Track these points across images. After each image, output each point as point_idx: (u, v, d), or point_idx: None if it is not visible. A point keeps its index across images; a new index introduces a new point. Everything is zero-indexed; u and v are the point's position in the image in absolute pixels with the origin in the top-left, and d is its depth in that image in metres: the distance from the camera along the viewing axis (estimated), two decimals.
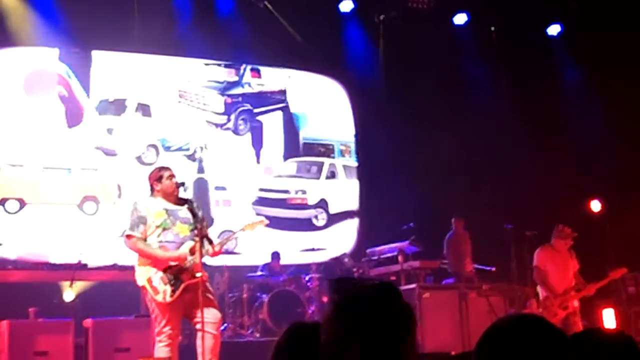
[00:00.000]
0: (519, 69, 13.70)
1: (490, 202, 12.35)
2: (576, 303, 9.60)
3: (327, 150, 15.14)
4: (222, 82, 14.57)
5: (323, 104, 15.08)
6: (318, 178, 15.10)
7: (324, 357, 1.97)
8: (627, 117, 12.54)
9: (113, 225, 11.99)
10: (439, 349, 9.47)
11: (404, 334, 1.97)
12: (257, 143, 14.76)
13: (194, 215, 6.89)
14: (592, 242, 11.34)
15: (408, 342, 1.98)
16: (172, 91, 14.13)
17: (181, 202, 6.99)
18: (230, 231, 7.92)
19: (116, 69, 13.79)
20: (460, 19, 14.09)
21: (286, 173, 15.20)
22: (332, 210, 14.84)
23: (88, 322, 8.57)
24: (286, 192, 14.73)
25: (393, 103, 13.52)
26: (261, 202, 14.32)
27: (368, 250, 12.15)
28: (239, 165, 14.46)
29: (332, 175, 15.10)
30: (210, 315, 6.66)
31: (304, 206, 14.86)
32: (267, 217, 12.47)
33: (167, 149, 13.81)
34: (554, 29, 14.19)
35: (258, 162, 14.61)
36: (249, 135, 14.66)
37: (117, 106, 13.70)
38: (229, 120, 14.49)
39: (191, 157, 13.98)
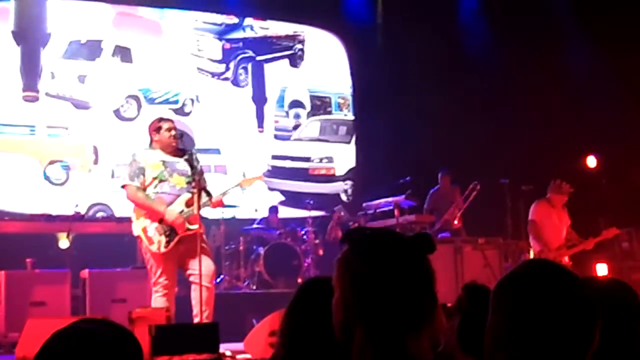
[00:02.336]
0: (518, 21, 13.58)
1: (486, 156, 12.33)
2: (566, 259, 9.68)
3: (323, 103, 13.82)
4: (219, 25, 12.97)
5: (319, 57, 13.98)
6: (348, 142, 13.35)
7: (337, 315, 1.93)
8: (628, 72, 12.46)
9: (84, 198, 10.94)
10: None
11: (419, 282, 1.90)
12: (260, 97, 13.05)
13: (192, 167, 6.89)
14: (587, 197, 11.37)
15: (423, 290, 1.90)
16: (162, 35, 12.57)
17: (180, 153, 6.99)
18: None
19: (90, 8, 12.07)
20: None
21: (307, 135, 13.34)
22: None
23: (85, 273, 8.61)
24: (307, 159, 12.78)
25: (390, 55, 13.39)
26: (275, 173, 12.56)
27: (364, 204, 12.14)
28: (238, 124, 12.83)
29: None
30: (204, 267, 6.69)
31: (330, 178, 13.02)
32: (283, 192, 11.84)
33: (151, 100, 12.16)
34: None
35: (260, 125, 12.82)
36: (249, 88, 13.05)
37: (91, 49, 11.95)
38: (227, 69, 12.76)
39: (180, 111, 12.31)
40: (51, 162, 11.36)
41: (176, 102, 12.40)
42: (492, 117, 12.96)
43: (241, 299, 10.00)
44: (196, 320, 6.68)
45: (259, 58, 13.13)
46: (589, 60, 12.81)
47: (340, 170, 13.01)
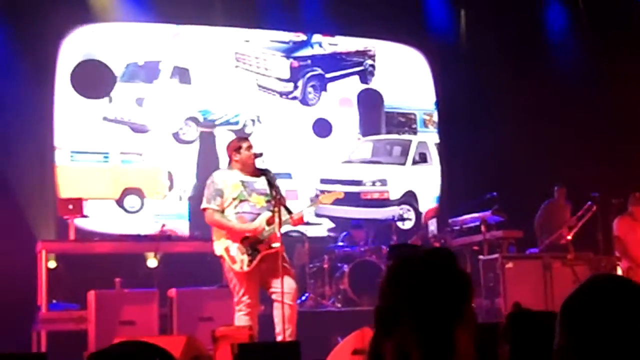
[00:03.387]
0: (606, 32, 13.29)
1: (576, 169, 12.06)
2: None
3: (408, 120, 13.29)
4: (287, 42, 12.63)
5: (402, 72, 13.58)
6: (403, 163, 12.67)
7: (377, 323, 1.99)
8: None
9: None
10: None
11: (457, 301, 1.95)
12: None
13: (271, 185, 6.93)
14: None
15: (462, 309, 1.96)
16: (226, 54, 12.26)
17: (258, 173, 7.05)
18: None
19: (147, 31, 11.89)
20: None
21: (358, 157, 12.73)
22: (424, 207, 12.40)
23: (172, 292, 8.71)
24: (359, 183, 12.06)
25: (474, 68, 13.22)
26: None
27: (450, 220, 12.01)
28: (307, 145, 12.36)
29: (422, 158, 12.82)
30: (287, 286, 6.72)
31: (384, 202, 12.31)
32: (331, 218, 11.16)
33: (210, 122, 11.91)
34: None
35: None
36: (320, 107, 12.62)
37: (149, 71, 11.79)
38: (295, 87, 12.36)
39: (239, 132, 11.84)
40: (126, 190, 11.27)
41: (236, 122, 12.13)
42: (581, 129, 12.69)
43: (326, 317, 9.99)
44: (279, 338, 6.70)
45: (328, 75, 12.81)
46: None
47: (394, 194, 12.34)
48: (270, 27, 12.66)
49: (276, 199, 6.86)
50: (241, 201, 6.91)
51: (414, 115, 13.55)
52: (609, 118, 12.75)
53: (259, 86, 12.40)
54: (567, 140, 12.49)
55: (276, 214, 6.80)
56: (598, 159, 12.38)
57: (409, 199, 12.38)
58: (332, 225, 11.52)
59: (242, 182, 6.97)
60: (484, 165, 12.59)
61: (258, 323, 6.97)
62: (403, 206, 12.20)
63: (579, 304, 1.87)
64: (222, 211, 6.91)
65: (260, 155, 7.10)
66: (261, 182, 6.98)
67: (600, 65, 13.17)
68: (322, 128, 12.67)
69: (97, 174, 11.28)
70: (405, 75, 13.67)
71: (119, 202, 11.32)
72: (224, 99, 12.09)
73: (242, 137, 7.44)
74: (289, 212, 7.05)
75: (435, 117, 13.73)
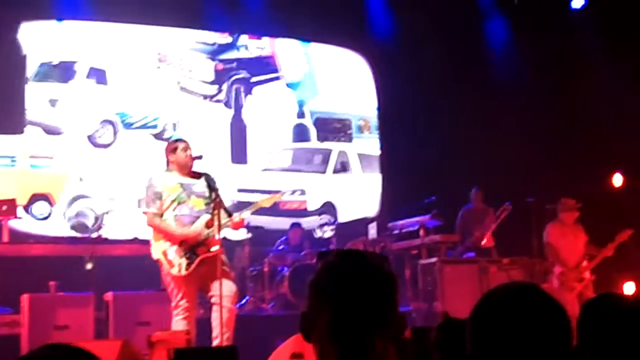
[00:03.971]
0: (542, 39, 13.54)
1: (512, 175, 12.25)
2: (588, 275, 9.66)
3: (343, 126, 13.21)
4: (212, 44, 12.36)
5: (339, 76, 13.43)
6: (324, 172, 12.49)
7: (300, 328, 1.97)
8: None
9: None
10: None
11: (377, 306, 1.91)
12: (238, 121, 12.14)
13: (211, 188, 6.89)
14: (612, 215, 11.27)
15: (386, 315, 1.92)
16: (147, 54, 11.89)
17: (197, 175, 7.01)
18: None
19: (63, 29, 11.33)
20: None
21: (278, 166, 12.41)
22: (342, 217, 12.17)
23: (109, 296, 8.62)
24: (277, 192, 10.31)
25: (415, 74, 13.31)
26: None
27: (389, 224, 12.09)
28: (227, 150, 12.04)
29: (343, 167, 12.67)
30: (226, 289, 6.69)
31: (302, 212, 12.06)
32: (249, 228, 10.44)
33: (128, 125, 11.53)
34: (577, 2, 13.99)
35: (237, 159, 11.63)
36: (245, 110, 12.36)
37: (64, 71, 11.34)
38: (220, 90, 12.12)
39: (159, 136, 11.63)
40: (34, 196, 10.76)
41: (155, 126, 11.75)
42: (518, 136, 12.88)
43: (266, 321, 9.97)
44: (216, 342, 6.67)
45: (254, 79, 12.59)
46: (618, 77, 12.71)
47: (313, 204, 12.07)
48: (203, 27, 12.38)
49: (215, 202, 6.82)
50: (179, 204, 6.85)
51: (350, 121, 13.45)
52: (547, 125, 12.97)
53: (182, 88, 12.09)
54: (505, 146, 12.66)
55: (215, 217, 6.76)
56: (534, 165, 12.59)
57: (329, 209, 12.17)
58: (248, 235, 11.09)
59: (181, 184, 6.91)
60: (424, 169, 12.71)
61: (196, 327, 6.92)
62: (323, 216, 12.02)
63: (482, 314, 1.92)
64: (161, 214, 6.84)
65: (200, 157, 7.05)
66: (200, 185, 6.94)
67: (539, 74, 13.41)
68: (240, 132, 12.49)
69: (2, 178, 10.73)
70: (342, 79, 13.56)
71: (27, 209, 10.84)
72: (143, 101, 11.73)
73: (178, 138, 7.36)
74: (229, 215, 7.02)
75: (372, 123, 13.66)
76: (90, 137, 11.33)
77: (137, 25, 12.12)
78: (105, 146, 11.35)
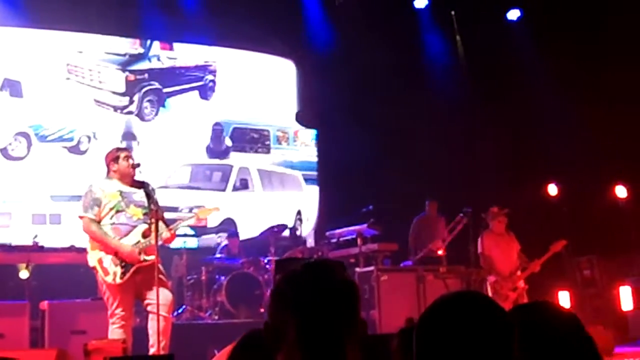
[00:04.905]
0: (479, 53, 13.78)
1: (449, 185, 12.42)
2: (522, 284, 9.82)
3: (261, 137, 13.18)
4: (123, 55, 12.06)
5: (260, 86, 13.36)
6: (223, 189, 12.35)
7: (265, 339, 1.98)
8: (585, 101, 12.65)
9: None
10: (396, 330, 9.52)
11: (341, 313, 1.94)
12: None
13: (149, 198, 6.88)
14: (548, 225, 11.51)
15: (350, 322, 1.95)
16: (57, 65, 11.58)
17: (137, 184, 6.99)
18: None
19: None
20: (420, 2, 14.11)
21: (175, 183, 12.09)
22: (243, 234, 11.85)
23: (44, 305, 8.51)
24: (175, 210, 11.07)
25: (351, 84, 13.40)
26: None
27: (327, 233, 12.15)
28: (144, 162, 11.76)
29: (243, 184, 12.55)
30: (161, 297, 6.66)
31: (202, 230, 11.77)
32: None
33: (43, 138, 11.24)
34: (513, 14, 14.27)
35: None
36: (157, 121, 12.12)
37: None
38: (131, 102, 11.86)
39: (74, 149, 11.43)
40: None
41: (71, 139, 11.48)
42: (454, 146, 13.08)
43: (203, 330, 9.93)
44: (152, 350, 6.64)
45: (166, 90, 12.39)
46: (551, 89, 12.99)
47: (213, 222, 11.68)
48: (116, 33, 12.11)
49: (153, 212, 6.81)
50: (118, 212, 6.82)
51: (268, 131, 13.41)
52: (484, 135, 13.17)
53: (95, 100, 11.85)
54: (441, 155, 12.84)
55: (152, 227, 6.75)
56: (470, 175, 12.78)
57: (228, 226, 11.98)
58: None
59: (121, 192, 6.89)
60: (360, 179, 12.82)
61: (132, 336, 6.89)
62: (221, 234, 11.77)
63: (425, 325, 1.94)
64: (99, 221, 6.81)
65: (138, 165, 7.03)
66: (140, 194, 6.91)
67: (476, 80, 13.64)
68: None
69: None
70: (263, 89, 13.49)
71: None
72: (57, 114, 11.46)
73: (120, 147, 7.33)
74: (167, 225, 7.01)
75: (290, 134, 13.60)
76: (2, 150, 11.08)
77: (48, 31, 11.83)
78: (19, 159, 11.14)
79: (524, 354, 2.41)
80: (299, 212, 13.32)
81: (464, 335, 1.86)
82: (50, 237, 10.12)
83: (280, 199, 13.09)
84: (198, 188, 12.00)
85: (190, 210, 10.91)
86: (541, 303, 2.70)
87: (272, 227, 11.33)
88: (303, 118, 13.51)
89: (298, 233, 12.59)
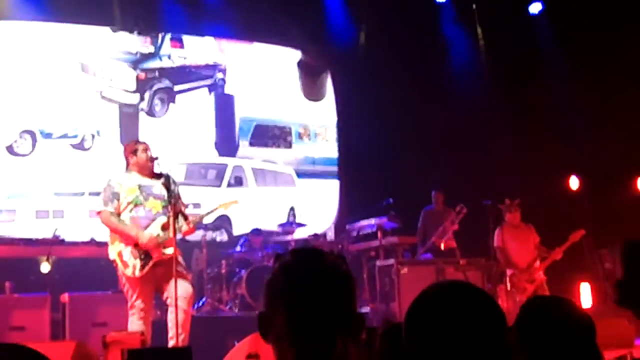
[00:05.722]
0: (500, 46, 13.71)
1: (470, 178, 12.37)
2: (542, 275, 9.75)
3: (282, 133, 13.41)
4: (134, 54, 12.20)
5: (281, 81, 13.50)
6: (218, 186, 12.45)
7: (258, 327, 1.97)
8: (607, 94, 12.57)
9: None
10: None
11: (330, 300, 1.92)
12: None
13: (169, 190, 6.90)
14: (570, 218, 11.43)
15: (338, 310, 1.92)
16: (68, 63, 11.67)
17: (156, 176, 7.01)
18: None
19: None
20: None
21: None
22: (237, 230, 12.10)
23: (65, 297, 8.59)
24: None
25: (372, 79, 13.39)
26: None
27: (347, 226, 12.15)
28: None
29: (237, 182, 12.67)
30: (181, 290, 6.70)
31: (197, 225, 11.56)
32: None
33: (48, 136, 11.35)
34: (535, 7, 14.18)
35: None
36: (167, 118, 12.32)
37: None
38: (142, 99, 12.05)
39: (78, 146, 11.54)
40: None
41: (75, 136, 11.59)
42: (475, 140, 13.03)
43: (223, 322, 9.96)
44: (171, 343, 6.68)
45: (176, 88, 12.55)
46: (572, 82, 12.91)
47: (208, 218, 11.78)
48: (140, 30, 12.20)
49: (172, 205, 6.84)
50: (136, 205, 6.85)
51: (289, 128, 13.58)
52: (504, 129, 13.09)
53: (103, 97, 11.96)
54: (460, 148, 12.81)
55: (171, 219, 6.78)
56: (491, 168, 12.73)
57: (223, 223, 12.05)
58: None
59: (140, 185, 6.91)
60: (380, 172, 12.80)
61: (152, 328, 6.93)
62: (217, 231, 11.91)
63: (415, 312, 1.95)
64: (119, 215, 6.84)
65: (156, 158, 7.05)
66: (159, 187, 6.94)
67: (495, 74, 13.60)
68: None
69: None
70: (284, 85, 13.61)
71: None
72: (63, 111, 11.57)
73: (138, 140, 7.37)
74: (186, 218, 7.04)
75: (311, 130, 13.76)
76: (8, 148, 11.16)
77: (59, 29, 11.86)
78: (24, 155, 11.24)
79: (528, 346, 2.39)
80: (292, 209, 13.40)
81: (451, 324, 1.86)
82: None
83: (274, 196, 13.18)
84: (193, 184, 12.03)
85: (187, 206, 10.88)
86: (559, 299, 2.69)
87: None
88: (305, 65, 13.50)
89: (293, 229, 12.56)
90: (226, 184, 12.51)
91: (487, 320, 1.88)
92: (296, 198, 13.55)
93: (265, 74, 13.47)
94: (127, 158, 7.13)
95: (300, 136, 13.65)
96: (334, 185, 14.01)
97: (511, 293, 9.39)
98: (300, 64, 13.76)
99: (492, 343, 1.86)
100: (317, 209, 13.53)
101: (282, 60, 13.76)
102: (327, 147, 14.15)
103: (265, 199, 12.90)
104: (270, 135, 13.32)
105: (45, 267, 9.17)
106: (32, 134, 11.23)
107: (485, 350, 1.85)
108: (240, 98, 13.29)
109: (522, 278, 9.67)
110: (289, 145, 13.66)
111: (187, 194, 10.24)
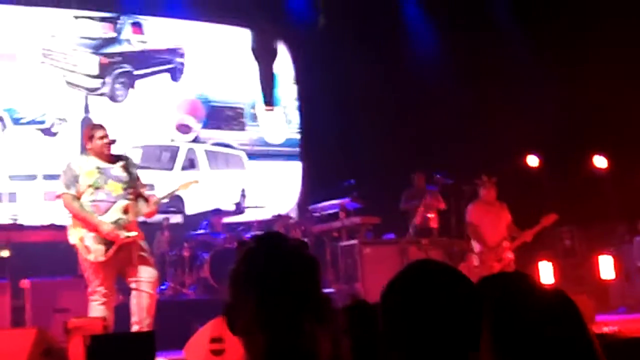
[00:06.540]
0: (459, 20, 13.68)
1: (430, 157, 12.40)
2: (510, 255, 9.79)
3: (236, 114, 13.50)
4: (95, 39, 12.37)
5: (235, 62, 13.62)
6: (171, 168, 12.65)
7: (227, 318, 1.95)
8: (568, 71, 12.64)
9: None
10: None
11: (293, 285, 1.91)
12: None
13: (129, 173, 6.83)
14: (529, 196, 11.53)
15: (306, 292, 1.92)
16: (31, 49, 11.82)
17: (114, 159, 6.92)
18: None
19: None
20: None
21: None
22: (190, 210, 12.36)
23: (25, 283, 8.47)
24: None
25: (332, 59, 13.36)
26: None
27: (310, 207, 12.16)
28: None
29: (191, 164, 12.85)
30: (146, 274, 6.64)
31: None
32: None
33: (16, 121, 11.50)
34: None
35: None
36: (127, 103, 12.46)
37: None
38: (104, 84, 12.26)
39: (47, 132, 11.71)
40: None
41: (43, 122, 11.75)
42: (434, 118, 13.04)
43: (186, 306, 9.93)
44: (135, 327, 6.62)
45: (136, 72, 12.68)
46: (530, 59, 12.96)
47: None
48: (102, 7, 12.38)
49: (133, 187, 6.77)
50: (96, 189, 6.75)
51: (242, 109, 13.64)
52: (462, 107, 13.13)
53: (67, 83, 12.08)
54: (422, 128, 12.83)
55: (132, 202, 6.71)
56: (451, 147, 12.76)
57: (176, 203, 12.16)
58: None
59: (99, 168, 6.81)
60: (342, 153, 12.80)
61: (114, 313, 6.86)
62: (169, 212, 11.76)
63: (391, 292, 1.93)
64: (79, 198, 6.75)
65: (114, 142, 6.96)
66: (118, 169, 6.85)
67: (455, 52, 13.57)
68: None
69: None
70: (238, 65, 13.68)
71: None
72: (30, 97, 11.69)
73: (95, 124, 7.27)
74: (146, 200, 6.97)
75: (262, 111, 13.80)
76: None
77: (22, 14, 11.92)
78: None
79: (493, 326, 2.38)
80: (242, 190, 13.48)
81: (428, 304, 1.85)
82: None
83: (226, 178, 13.28)
84: (148, 167, 12.06)
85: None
86: (516, 274, 2.67)
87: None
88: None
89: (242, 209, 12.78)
90: (179, 167, 12.65)
91: (466, 300, 1.87)
92: (247, 180, 13.58)
93: (215, 55, 13.55)
94: (84, 142, 7.04)
95: (254, 117, 13.69)
96: (295, 166, 13.96)
97: (477, 270, 9.39)
98: (254, 50, 13.71)
99: (470, 322, 1.86)
100: (276, 191, 13.56)
101: (235, 39, 13.77)
102: (288, 128, 14.15)
103: (218, 182, 12.98)
104: (222, 117, 13.39)
105: (4, 253, 9.05)
106: (1, 119, 11.35)
107: (464, 328, 1.85)
108: (196, 79, 13.39)
109: (490, 256, 9.67)
110: (241, 127, 13.74)
111: (143, 177, 10.62)
